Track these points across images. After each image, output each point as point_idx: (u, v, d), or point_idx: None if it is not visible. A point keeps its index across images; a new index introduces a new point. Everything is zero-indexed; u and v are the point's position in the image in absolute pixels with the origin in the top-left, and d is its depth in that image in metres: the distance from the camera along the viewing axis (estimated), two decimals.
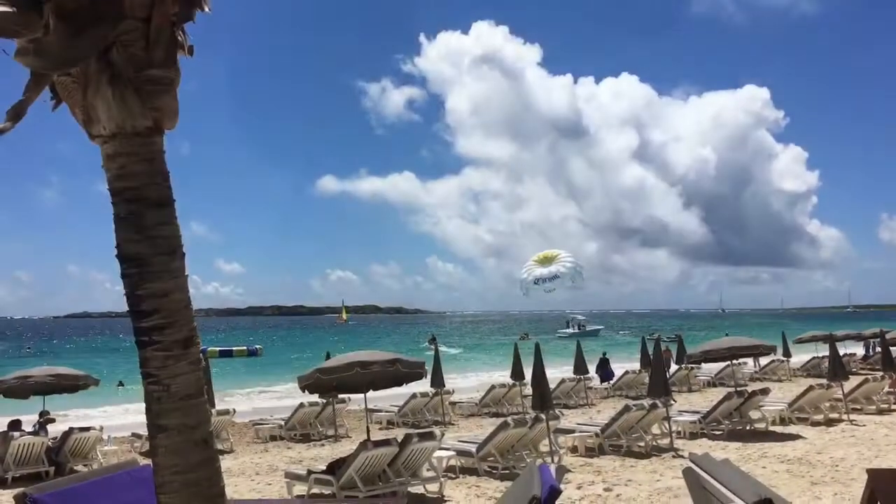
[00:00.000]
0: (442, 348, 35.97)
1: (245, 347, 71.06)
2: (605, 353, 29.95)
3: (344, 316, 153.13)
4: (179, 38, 3.34)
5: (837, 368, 18.32)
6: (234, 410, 19.64)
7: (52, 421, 17.74)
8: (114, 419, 24.01)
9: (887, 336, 24.78)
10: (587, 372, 25.82)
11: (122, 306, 3.30)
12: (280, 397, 32.05)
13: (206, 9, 3.26)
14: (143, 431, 17.95)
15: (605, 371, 28.08)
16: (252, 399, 32.69)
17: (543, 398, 13.10)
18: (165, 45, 3.23)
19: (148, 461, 3.76)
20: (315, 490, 11.56)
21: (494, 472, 12.96)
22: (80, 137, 3.36)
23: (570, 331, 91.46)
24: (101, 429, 16.31)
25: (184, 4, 3.25)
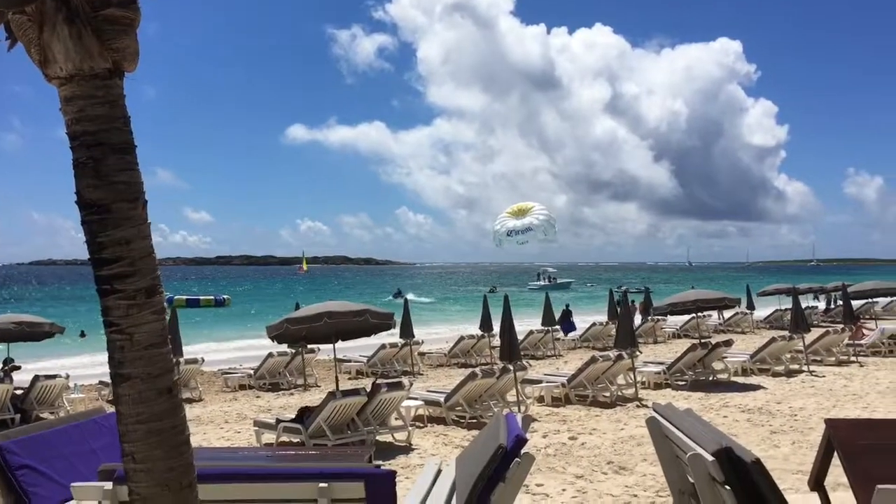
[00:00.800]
0: (410, 297, 36.14)
1: (212, 297, 70.61)
2: (567, 306, 30.15)
3: (304, 266, 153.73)
4: None
5: (799, 321, 18.69)
6: (203, 359, 19.61)
7: (18, 368, 17.61)
8: (80, 368, 23.88)
9: (849, 290, 25.27)
10: (555, 324, 26.11)
11: (86, 253, 3.22)
12: (248, 347, 32.05)
13: None
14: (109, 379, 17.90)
15: (566, 323, 28.25)
16: (220, 348, 32.64)
17: (512, 349, 13.22)
18: None
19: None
20: (284, 438, 11.64)
21: (462, 421, 13.13)
22: (42, 79, 3.24)
23: (541, 283, 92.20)
24: (68, 377, 16.21)
25: None
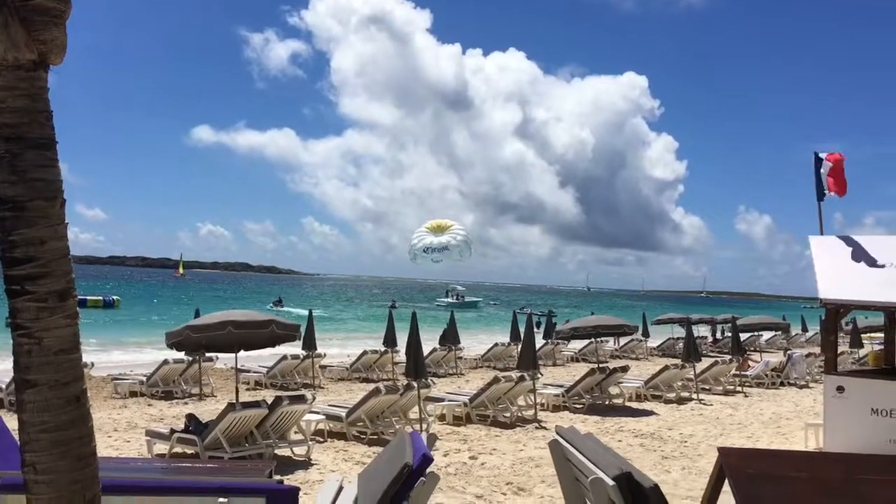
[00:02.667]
0: (294, 309, 35.54)
1: (101, 297, 67.40)
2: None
3: (181, 269, 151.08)
4: None
5: (691, 350, 19.42)
6: (92, 363, 18.82)
7: None
8: None
9: (738, 323, 26.46)
10: (458, 342, 26.28)
11: None
12: (136, 352, 30.97)
13: None
14: None
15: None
16: (107, 352, 31.30)
17: (417, 366, 13.24)
18: None
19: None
20: (178, 449, 11.28)
21: (363, 437, 13.03)
22: None
23: (449, 300, 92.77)
24: None
25: None
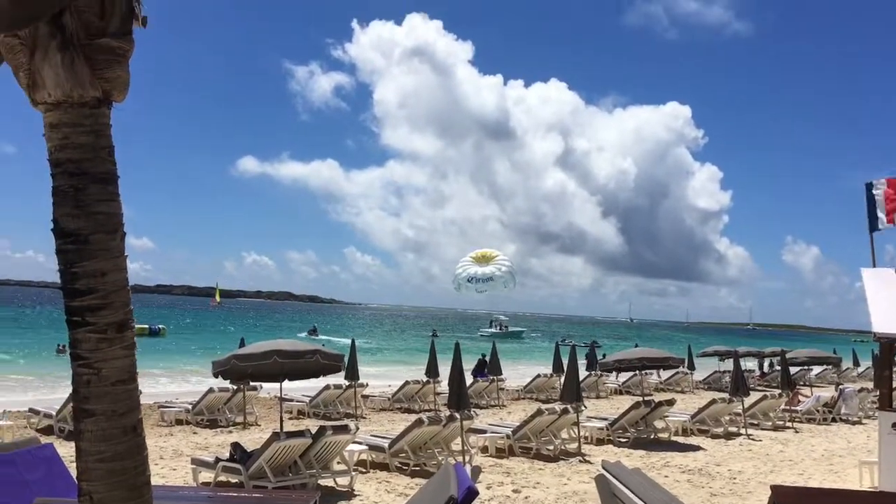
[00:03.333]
0: (328, 338, 35.54)
1: (147, 326, 68.33)
2: (483, 356, 29.87)
3: (217, 298, 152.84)
4: (135, 7, 3.21)
5: (740, 384, 19.02)
6: (140, 391, 19.06)
7: None
8: (9, 394, 23.07)
9: (787, 356, 25.88)
10: (500, 373, 26.11)
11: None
12: (183, 380, 31.32)
13: None
14: (41, 407, 17.29)
15: (479, 374, 27.81)
16: (155, 380, 31.76)
17: (460, 397, 13.16)
18: (122, 14, 3.09)
19: (49, 439, 3.59)
20: (222, 478, 11.34)
21: (405, 468, 12.97)
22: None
23: (493, 330, 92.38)
24: None
25: None
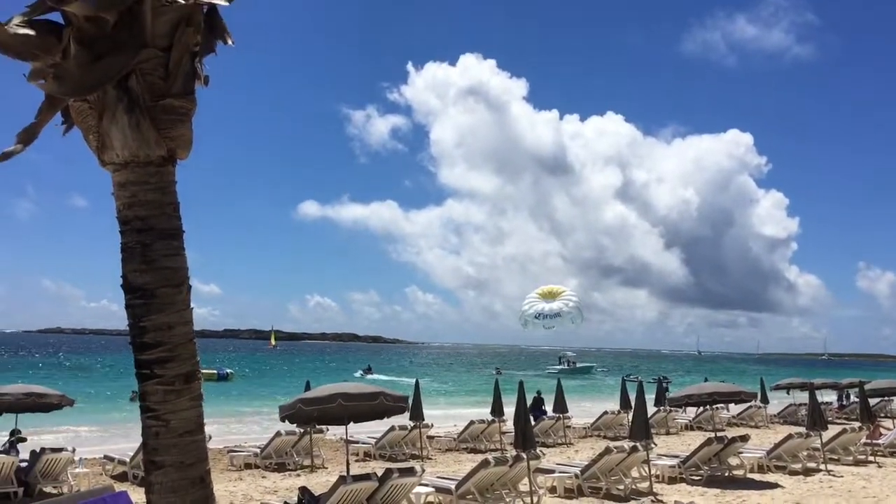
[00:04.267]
0: (382, 377, 35.31)
1: (215, 371, 69.40)
2: (539, 393, 29.23)
3: (273, 341, 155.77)
4: (197, 68, 3.31)
5: (817, 417, 18.34)
6: (210, 436, 19.33)
7: (24, 440, 17.39)
8: (85, 441, 23.62)
9: (865, 387, 24.89)
10: (567, 410, 25.71)
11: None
12: (252, 424, 31.64)
13: (230, 42, 3.22)
14: (115, 454, 17.67)
15: (537, 411, 27.06)
16: (225, 425, 32.20)
17: (525, 437, 12.99)
18: (184, 76, 3.20)
19: (124, 486, 3.65)
20: None
21: None
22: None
23: (561, 367, 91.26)
24: (73, 450, 15.99)
25: (207, 36, 3.22)
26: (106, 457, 17.56)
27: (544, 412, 27.20)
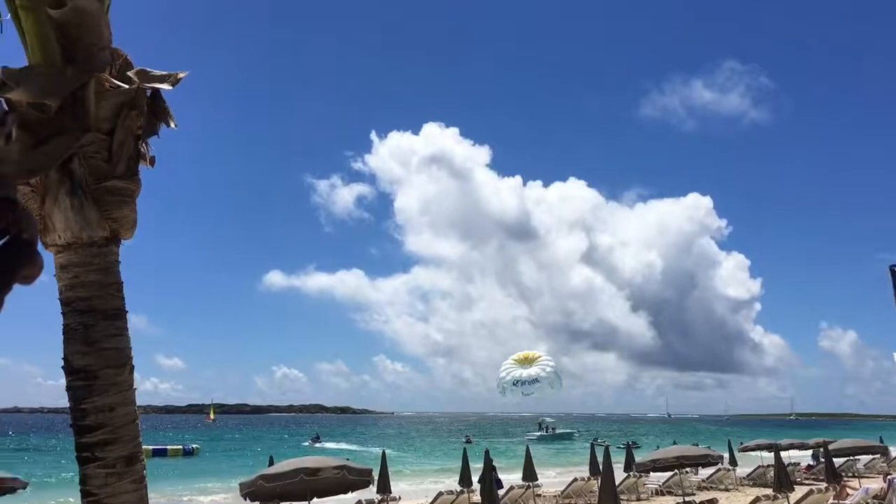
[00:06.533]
0: (331, 445, 34.62)
1: (181, 446, 67.88)
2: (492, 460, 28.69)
3: (212, 415, 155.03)
4: (142, 149, 3.37)
5: (783, 479, 18.38)
6: None
7: None
8: None
9: (830, 447, 25.02)
10: (536, 478, 25.43)
11: (55, 402, 3.19)
12: (222, 500, 30.79)
13: (173, 125, 3.30)
14: None
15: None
16: (191, 500, 31.31)
17: None
18: (128, 158, 3.25)
19: None
20: None
21: None
22: None
23: (541, 433, 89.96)
24: None
25: (150, 119, 3.29)
26: None
27: (499, 481, 26.83)
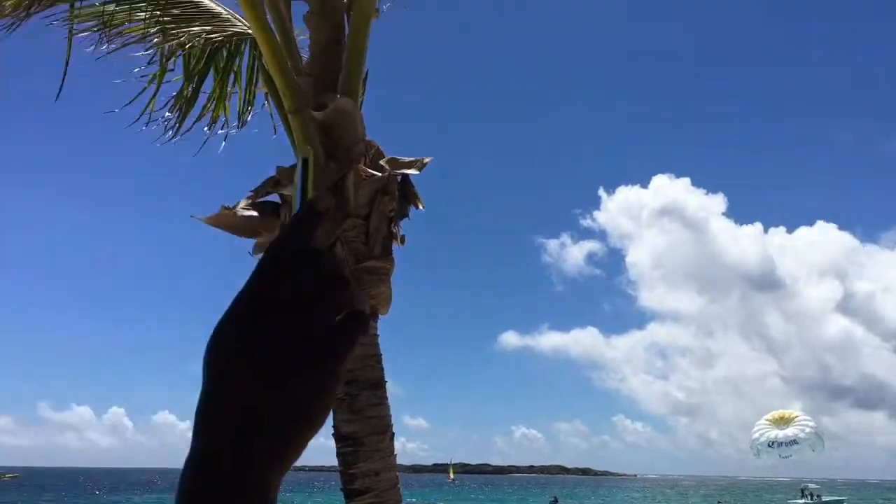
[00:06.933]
0: None
1: None
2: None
3: (451, 474, 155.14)
4: (394, 230, 3.66)
5: None
6: None
7: None
8: None
9: None
10: None
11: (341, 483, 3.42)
12: None
13: (421, 207, 3.55)
14: None
15: None
16: None
17: None
18: (382, 240, 3.54)
19: None
20: None
21: None
22: None
23: (804, 501, 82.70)
24: None
25: (401, 202, 3.57)
26: None
27: None
